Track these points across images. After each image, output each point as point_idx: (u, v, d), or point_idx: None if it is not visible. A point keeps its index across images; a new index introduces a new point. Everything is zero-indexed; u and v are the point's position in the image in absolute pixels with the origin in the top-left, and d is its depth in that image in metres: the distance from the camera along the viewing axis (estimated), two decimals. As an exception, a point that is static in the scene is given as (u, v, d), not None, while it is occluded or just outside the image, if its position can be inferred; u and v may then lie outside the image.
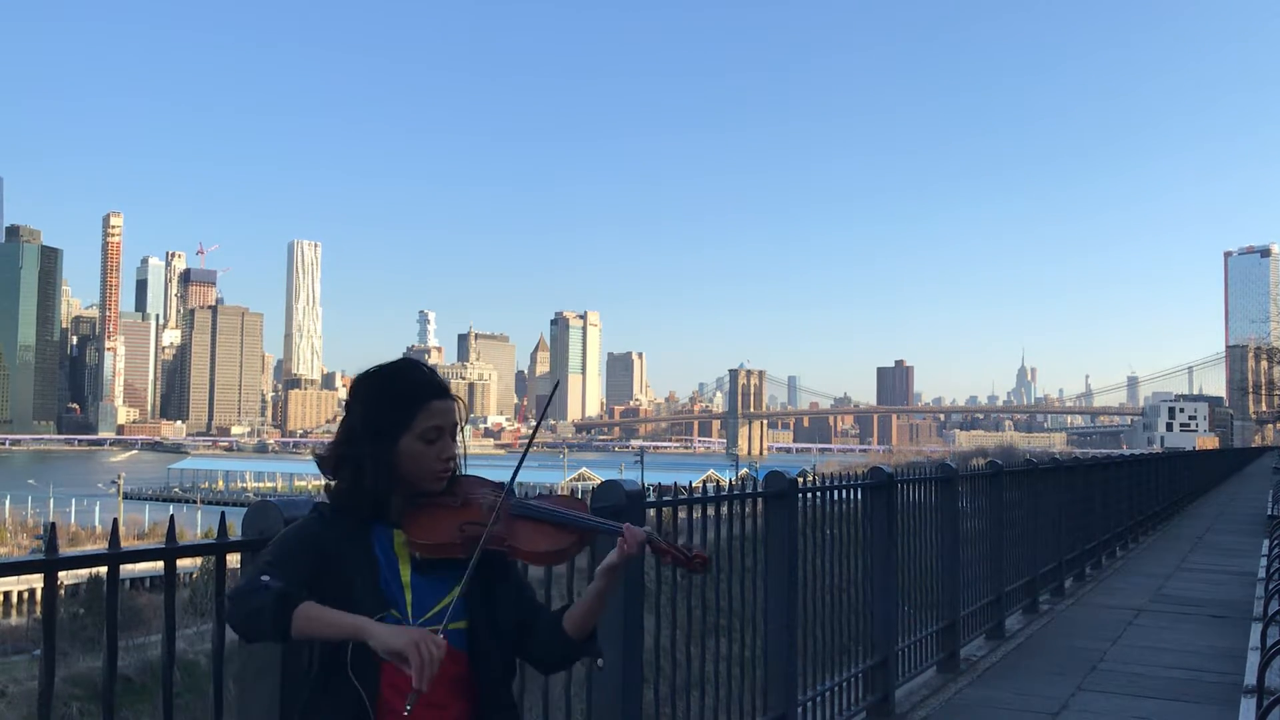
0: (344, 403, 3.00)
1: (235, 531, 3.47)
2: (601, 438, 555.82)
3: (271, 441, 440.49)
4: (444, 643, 2.55)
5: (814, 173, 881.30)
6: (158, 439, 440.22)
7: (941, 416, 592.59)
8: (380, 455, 2.84)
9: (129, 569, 3.62)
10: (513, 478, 2.98)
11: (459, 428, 2.99)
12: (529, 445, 3.35)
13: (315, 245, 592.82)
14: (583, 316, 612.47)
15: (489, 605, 2.90)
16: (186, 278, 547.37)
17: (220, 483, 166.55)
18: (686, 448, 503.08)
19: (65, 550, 2.95)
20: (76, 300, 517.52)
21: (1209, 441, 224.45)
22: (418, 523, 2.85)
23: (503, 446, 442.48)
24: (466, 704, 2.83)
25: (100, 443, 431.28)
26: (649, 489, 5.57)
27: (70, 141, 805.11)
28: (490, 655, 2.87)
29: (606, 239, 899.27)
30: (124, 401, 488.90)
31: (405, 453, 2.86)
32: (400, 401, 2.88)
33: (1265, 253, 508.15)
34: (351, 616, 2.58)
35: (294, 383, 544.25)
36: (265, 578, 2.61)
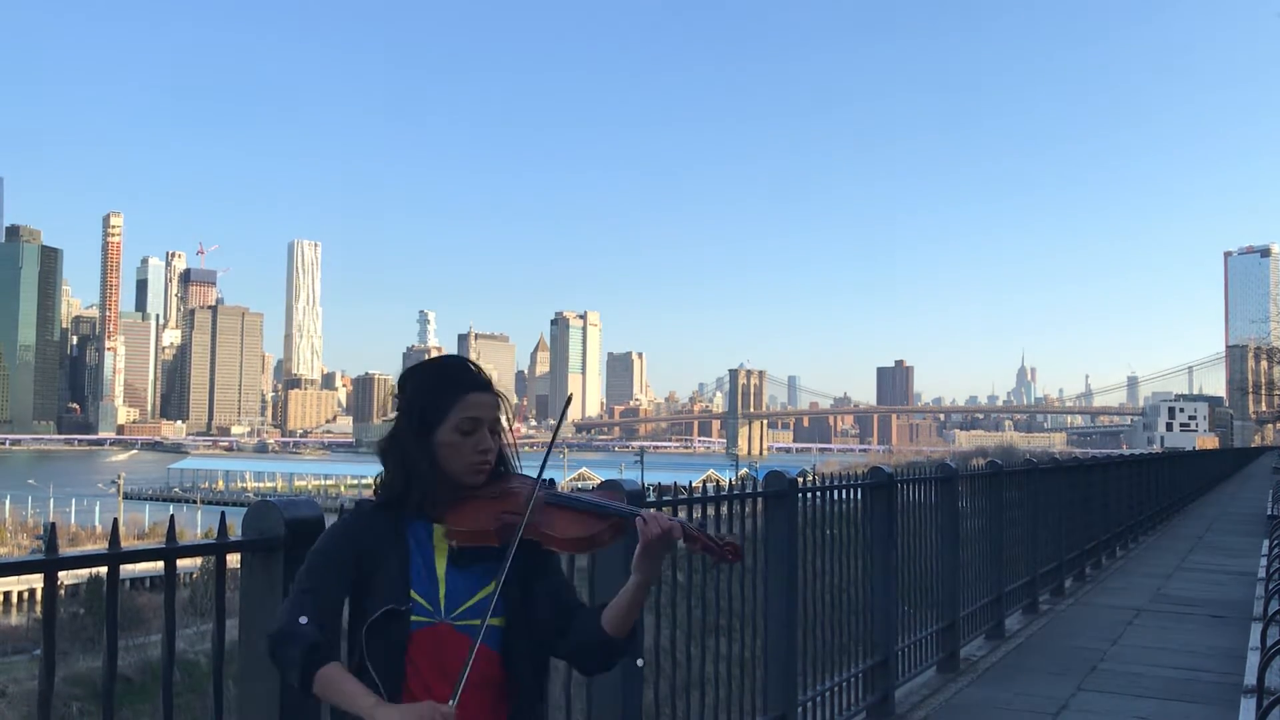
0: (394, 397, 3.00)
1: (235, 531, 3.46)
2: (601, 438, 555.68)
3: (271, 441, 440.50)
4: (453, 712, 2.56)
5: (814, 173, 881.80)
6: (158, 439, 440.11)
7: (941, 416, 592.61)
8: (421, 446, 2.85)
9: (129, 569, 3.61)
10: (543, 466, 2.95)
11: (504, 425, 2.98)
12: (554, 438, 3.28)
13: (315, 245, 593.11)
14: (583, 316, 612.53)
15: (526, 603, 2.86)
16: (186, 278, 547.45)
17: (220, 483, 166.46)
18: (686, 448, 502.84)
19: (65, 550, 2.95)
20: (76, 300, 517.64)
21: (1209, 441, 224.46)
22: (457, 512, 2.84)
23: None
24: (498, 703, 2.82)
25: (100, 443, 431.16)
26: (649, 489, 5.56)
27: (70, 141, 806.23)
28: (524, 655, 2.85)
29: (606, 239, 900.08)
30: (124, 401, 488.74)
31: (443, 444, 2.85)
32: (438, 393, 2.88)
33: (1265, 253, 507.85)
34: (365, 696, 2.61)
35: (294, 383, 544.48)
36: (303, 619, 2.66)
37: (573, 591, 3.02)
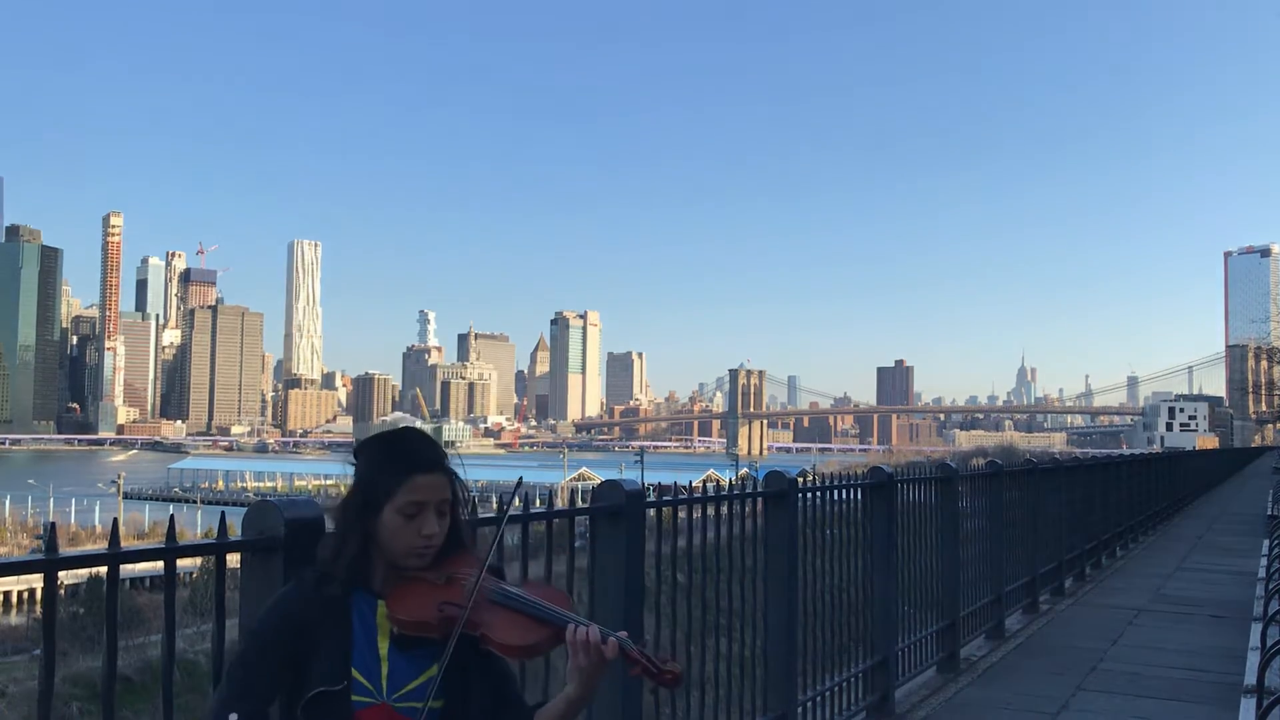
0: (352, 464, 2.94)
1: (235, 531, 3.46)
2: (601, 437, 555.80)
3: (271, 441, 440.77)
4: None
5: (814, 172, 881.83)
6: (158, 439, 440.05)
7: (941, 416, 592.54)
8: (363, 525, 2.81)
9: (129, 569, 3.61)
10: (484, 564, 2.87)
11: (458, 504, 2.91)
12: (499, 532, 3.18)
13: (315, 245, 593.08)
14: (583, 316, 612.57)
15: (465, 688, 2.84)
16: (186, 277, 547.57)
17: (220, 483, 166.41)
18: (686, 448, 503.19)
19: (65, 550, 2.95)
20: (76, 300, 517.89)
21: (1209, 441, 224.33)
22: (399, 597, 2.82)
23: (503, 446, 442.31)
24: None
25: (100, 442, 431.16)
26: (649, 489, 5.56)
27: (70, 141, 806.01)
28: None
29: (606, 238, 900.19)
30: (124, 401, 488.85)
31: (385, 525, 2.81)
32: (383, 471, 2.83)
33: (1265, 253, 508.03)
34: None
35: (294, 382, 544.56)
36: (232, 717, 2.61)
37: (514, 682, 2.98)
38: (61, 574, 2.95)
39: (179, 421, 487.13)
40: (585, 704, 2.81)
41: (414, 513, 2.81)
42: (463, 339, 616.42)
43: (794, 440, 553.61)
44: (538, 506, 4.79)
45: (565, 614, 2.84)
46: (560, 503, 5.32)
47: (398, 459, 2.84)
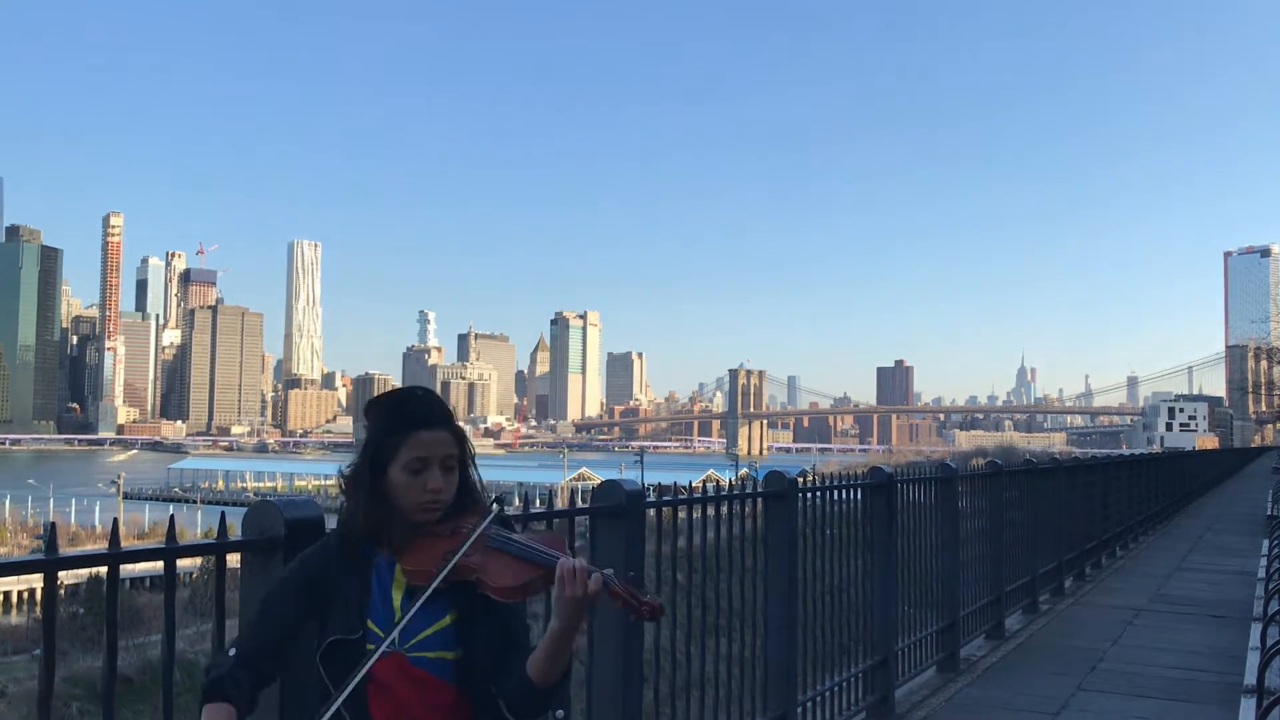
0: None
1: (235, 531, 3.47)
2: (601, 438, 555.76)
3: (271, 441, 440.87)
4: None
5: (814, 172, 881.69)
6: (158, 439, 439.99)
7: (941, 416, 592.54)
8: (375, 484, 2.88)
9: (129, 569, 3.62)
10: (490, 515, 2.91)
11: (464, 459, 2.96)
12: (475, 535, 3.03)
13: (315, 245, 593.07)
14: (583, 316, 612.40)
15: (476, 635, 2.87)
16: (186, 278, 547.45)
17: (220, 483, 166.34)
18: (686, 448, 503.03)
19: (65, 550, 2.96)
20: (76, 300, 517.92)
21: (1209, 441, 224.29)
22: (410, 550, 2.90)
23: (503, 446, 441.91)
24: None
25: (100, 443, 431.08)
26: (649, 489, 5.56)
27: (70, 141, 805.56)
28: (481, 685, 2.86)
29: (606, 239, 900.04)
30: (124, 401, 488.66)
31: (393, 482, 2.88)
32: (389, 431, 2.90)
33: (1265, 253, 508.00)
34: None
35: (294, 383, 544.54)
36: (231, 651, 2.78)
37: (522, 626, 2.94)
38: (61, 574, 2.96)
39: (179, 421, 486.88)
40: (569, 639, 2.75)
41: (419, 469, 2.88)
42: (463, 339, 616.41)
43: (794, 440, 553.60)
44: (538, 507, 4.78)
45: (555, 553, 2.85)
46: (560, 503, 5.31)
47: (400, 417, 2.92)
